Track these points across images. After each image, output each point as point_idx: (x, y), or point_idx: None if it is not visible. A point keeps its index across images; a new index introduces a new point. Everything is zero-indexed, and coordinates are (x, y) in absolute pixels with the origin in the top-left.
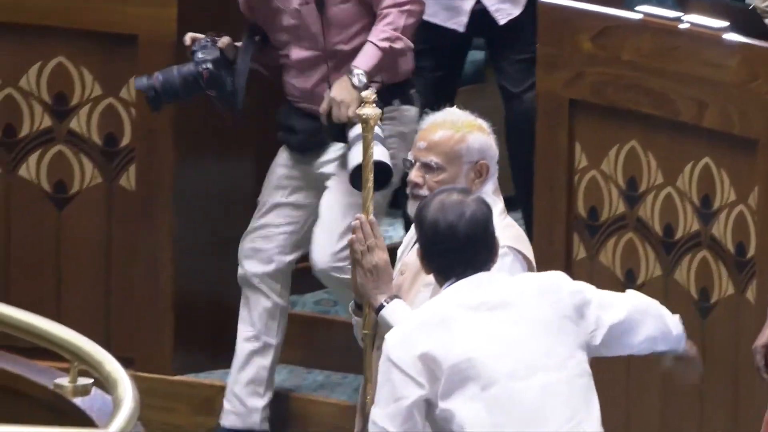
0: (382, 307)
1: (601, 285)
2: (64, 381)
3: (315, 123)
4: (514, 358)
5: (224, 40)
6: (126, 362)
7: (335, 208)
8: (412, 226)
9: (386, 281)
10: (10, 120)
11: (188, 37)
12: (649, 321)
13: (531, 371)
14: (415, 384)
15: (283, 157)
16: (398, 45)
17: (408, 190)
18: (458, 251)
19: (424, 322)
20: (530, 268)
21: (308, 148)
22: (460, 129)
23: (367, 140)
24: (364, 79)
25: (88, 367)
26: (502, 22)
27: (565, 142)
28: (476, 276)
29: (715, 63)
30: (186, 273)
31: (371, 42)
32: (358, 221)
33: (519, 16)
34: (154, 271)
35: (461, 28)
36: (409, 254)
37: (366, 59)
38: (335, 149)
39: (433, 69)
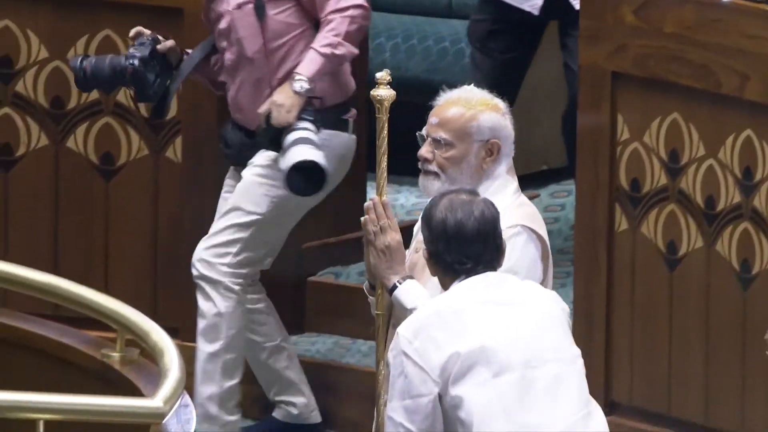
0: (395, 287)
1: (643, 256)
2: (111, 351)
3: (245, 137)
4: (526, 348)
5: (167, 44)
6: (172, 332)
7: (223, 207)
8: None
9: (399, 262)
10: (59, 92)
11: (134, 30)
12: None
13: (542, 361)
14: (433, 382)
15: (230, 167)
16: (340, 51)
17: (419, 165)
18: (467, 249)
19: (437, 312)
20: (544, 247)
21: (239, 162)
22: (473, 107)
23: (381, 122)
24: (306, 86)
25: (134, 337)
26: (577, 6)
27: (607, 115)
28: (485, 274)
29: (757, 35)
30: None
31: (313, 48)
32: (371, 202)
33: None
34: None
35: (536, 11)
36: None
37: (308, 65)
38: (262, 158)
39: (504, 51)
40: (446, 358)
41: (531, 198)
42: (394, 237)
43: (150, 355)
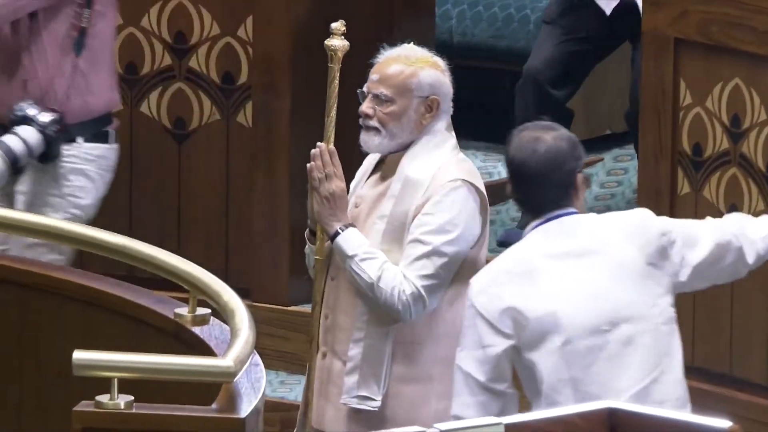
0: (337, 234)
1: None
2: (183, 311)
3: None
4: (597, 311)
5: None
6: (243, 293)
7: None
8: (366, 159)
9: (342, 209)
10: (132, 58)
11: None
12: (730, 254)
13: (614, 324)
14: (502, 335)
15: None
16: None
17: (360, 121)
18: (530, 189)
19: (508, 269)
20: (482, 200)
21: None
22: (413, 64)
23: (333, 71)
24: None
25: (206, 297)
26: None
27: (670, 80)
28: (559, 221)
29: None
30: (302, 206)
31: None
32: (317, 149)
33: None
34: (271, 205)
35: (608, 10)
36: (364, 187)
37: None
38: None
39: (568, 33)
40: (516, 320)
41: (595, 162)
42: (339, 185)
43: (221, 315)
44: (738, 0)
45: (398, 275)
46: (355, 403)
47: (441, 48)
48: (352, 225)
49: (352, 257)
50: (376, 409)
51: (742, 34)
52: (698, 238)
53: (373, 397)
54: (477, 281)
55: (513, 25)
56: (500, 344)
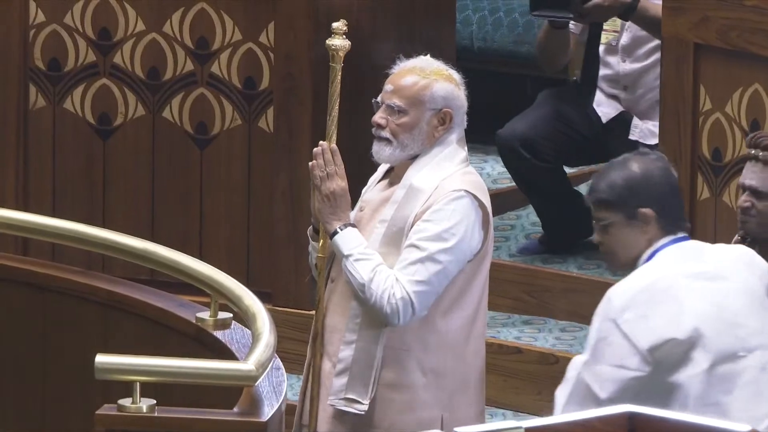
0: (336, 233)
1: (724, 224)
2: (205, 315)
3: None
4: (734, 335)
5: None
6: (264, 297)
7: None
8: (379, 168)
9: (343, 208)
10: (155, 63)
11: None
12: None
13: (749, 350)
14: (644, 360)
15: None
16: None
17: (373, 131)
18: (672, 198)
19: (648, 287)
20: (485, 214)
21: None
22: (428, 76)
23: (334, 70)
24: None
25: (227, 301)
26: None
27: (690, 85)
28: (685, 243)
29: None
30: None
31: None
32: (320, 147)
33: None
34: (292, 209)
35: (603, 119)
36: (371, 192)
37: None
38: None
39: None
40: (661, 341)
41: None
42: (340, 184)
43: (243, 319)
44: (757, 6)
45: (390, 278)
46: (342, 405)
47: (462, 54)
48: (352, 225)
49: (347, 257)
50: (363, 412)
51: (762, 40)
52: None
53: (360, 400)
54: (618, 297)
55: (533, 30)
56: (638, 369)
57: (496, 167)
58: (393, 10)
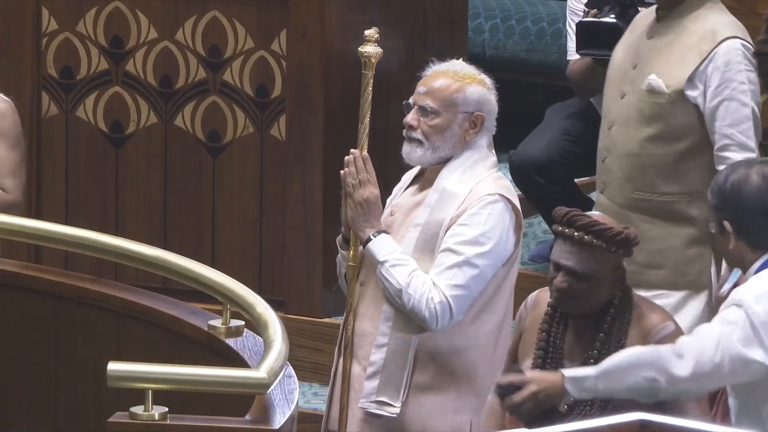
0: (369, 240)
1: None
2: (217, 322)
3: None
4: None
5: None
6: (276, 305)
7: None
8: (406, 174)
9: (375, 216)
10: (167, 71)
11: None
12: None
13: None
14: (766, 353)
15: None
16: None
17: (404, 133)
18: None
19: None
20: (518, 218)
21: None
22: (461, 79)
23: (366, 77)
24: None
25: (240, 309)
26: None
27: None
28: None
29: None
30: (335, 219)
31: None
32: (351, 156)
33: None
34: (305, 218)
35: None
36: (401, 196)
37: None
38: None
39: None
40: None
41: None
42: (372, 191)
43: (255, 327)
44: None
45: (428, 283)
46: (374, 408)
47: (474, 61)
48: (385, 231)
49: (382, 263)
50: (395, 415)
51: None
52: None
53: (392, 403)
54: (750, 290)
55: (545, 38)
56: (762, 361)
57: (508, 175)
58: (405, 17)
